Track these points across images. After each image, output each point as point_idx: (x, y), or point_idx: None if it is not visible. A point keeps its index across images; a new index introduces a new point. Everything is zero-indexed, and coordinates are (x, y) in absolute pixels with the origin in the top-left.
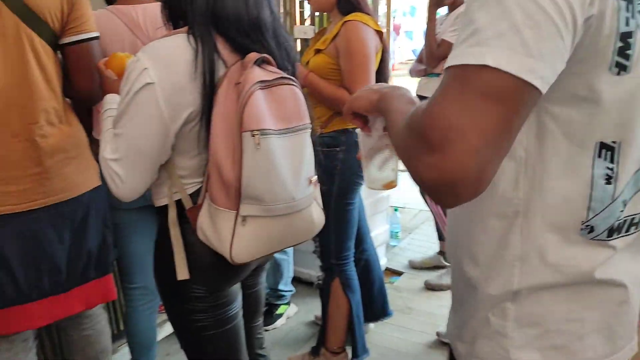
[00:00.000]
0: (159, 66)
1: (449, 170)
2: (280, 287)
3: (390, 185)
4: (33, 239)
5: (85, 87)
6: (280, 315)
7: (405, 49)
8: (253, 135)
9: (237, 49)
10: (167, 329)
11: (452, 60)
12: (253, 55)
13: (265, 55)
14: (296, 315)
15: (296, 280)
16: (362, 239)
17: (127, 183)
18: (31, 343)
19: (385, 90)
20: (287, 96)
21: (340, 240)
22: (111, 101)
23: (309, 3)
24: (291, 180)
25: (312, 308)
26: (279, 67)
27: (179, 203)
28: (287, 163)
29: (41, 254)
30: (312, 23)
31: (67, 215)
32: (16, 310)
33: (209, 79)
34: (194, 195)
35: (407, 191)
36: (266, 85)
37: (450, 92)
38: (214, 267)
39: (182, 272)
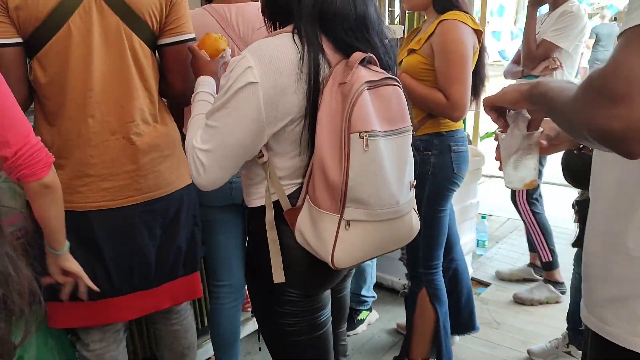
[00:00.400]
0: (264, 66)
1: (636, 118)
2: (363, 292)
3: (532, 183)
4: (126, 234)
5: (180, 87)
6: (362, 321)
7: (492, 50)
8: (361, 137)
9: (340, 48)
10: (249, 327)
11: (630, 22)
12: (358, 55)
13: (370, 54)
14: (377, 322)
15: (378, 287)
16: (451, 247)
17: (209, 174)
18: (122, 335)
19: (536, 80)
20: (392, 97)
21: (429, 248)
22: (204, 83)
23: (402, 1)
24: (396, 184)
25: (394, 316)
26: (382, 67)
27: (275, 204)
28: (392, 166)
29: (133, 250)
30: (402, 22)
31: (159, 212)
32: (108, 302)
33: (314, 80)
34: (292, 197)
35: (494, 198)
36: (373, 85)
37: (631, 48)
38: (310, 271)
39: (278, 275)
